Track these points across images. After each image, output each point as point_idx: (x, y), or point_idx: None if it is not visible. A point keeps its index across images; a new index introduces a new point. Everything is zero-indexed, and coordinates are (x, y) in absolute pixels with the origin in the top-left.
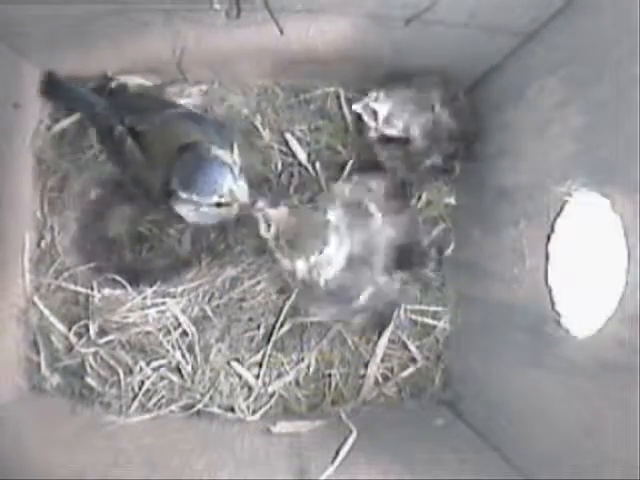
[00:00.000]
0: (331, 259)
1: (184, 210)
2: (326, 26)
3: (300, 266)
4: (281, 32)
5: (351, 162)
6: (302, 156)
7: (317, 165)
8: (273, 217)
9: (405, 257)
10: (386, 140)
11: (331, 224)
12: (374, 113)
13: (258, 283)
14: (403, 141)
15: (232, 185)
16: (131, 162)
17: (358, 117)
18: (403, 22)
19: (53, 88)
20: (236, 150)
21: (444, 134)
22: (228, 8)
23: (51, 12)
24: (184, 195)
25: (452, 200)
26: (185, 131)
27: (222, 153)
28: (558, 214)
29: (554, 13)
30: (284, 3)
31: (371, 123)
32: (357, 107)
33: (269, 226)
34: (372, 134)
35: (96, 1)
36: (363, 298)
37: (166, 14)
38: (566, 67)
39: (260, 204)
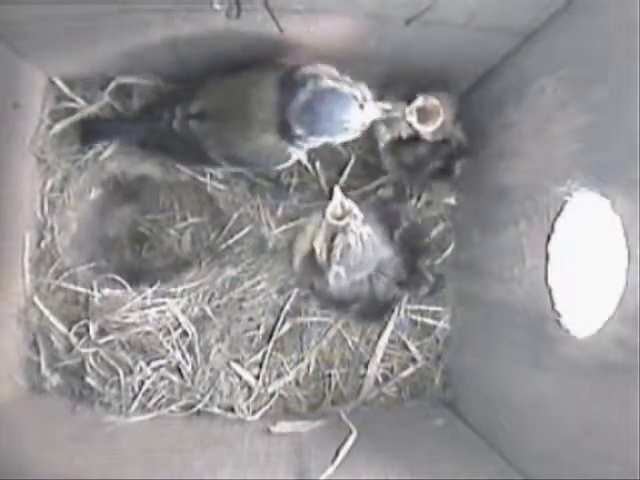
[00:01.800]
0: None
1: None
2: (326, 26)
3: (334, 270)
4: (281, 32)
5: (352, 163)
6: (302, 156)
7: (317, 165)
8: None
9: (407, 276)
10: (395, 145)
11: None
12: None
13: (258, 283)
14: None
15: (361, 117)
16: (207, 141)
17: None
18: (403, 22)
19: (97, 130)
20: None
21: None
22: (228, 8)
23: (51, 12)
24: (311, 138)
25: (452, 200)
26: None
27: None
28: (558, 214)
29: (554, 13)
30: (284, 3)
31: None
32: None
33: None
34: (383, 140)
35: (96, 1)
36: (356, 306)
37: (166, 14)
38: (566, 67)
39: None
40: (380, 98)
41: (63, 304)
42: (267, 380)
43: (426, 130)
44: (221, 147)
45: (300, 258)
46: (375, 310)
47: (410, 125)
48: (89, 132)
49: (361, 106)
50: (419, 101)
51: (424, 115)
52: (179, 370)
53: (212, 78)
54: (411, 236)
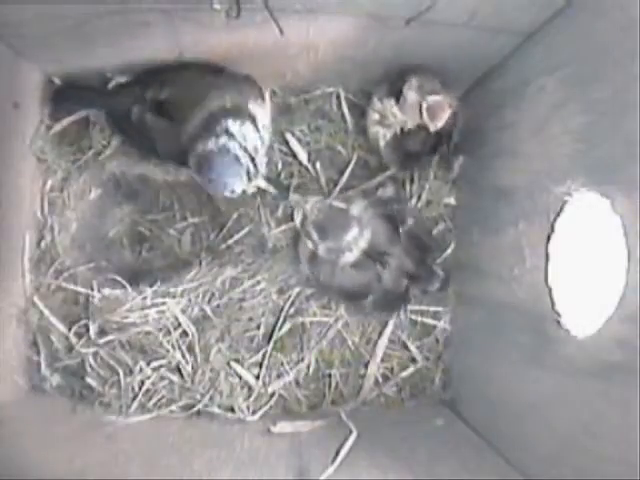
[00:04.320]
0: (351, 246)
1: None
2: (326, 26)
3: (322, 248)
4: (281, 32)
5: (353, 163)
6: (302, 156)
7: (317, 165)
8: (305, 207)
9: (415, 269)
10: (396, 140)
11: (353, 216)
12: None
13: (258, 283)
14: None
15: (244, 185)
16: (159, 136)
17: (360, 117)
18: (403, 22)
19: (66, 97)
20: (266, 107)
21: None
22: (228, 8)
23: (51, 12)
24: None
25: (452, 200)
26: (204, 88)
27: (242, 135)
28: (558, 214)
29: (554, 13)
30: (284, 3)
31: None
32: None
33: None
34: (384, 139)
35: (96, 1)
36: (370, 299)
37: (166, 14)
38: (566, 67)
39: (296, 197)
40: (368, 96)
41: (63, 304)
42: (267, 380)
43: (436, 126)
44: (167, 143)
45: (306, 258)
46: (389, 302)
47: (425, 124)
48: (59, 98)
49: (248, 177)
50: (428, 100)
51: (431, 112)
52: (179, 370)
53: (174, 69)
54: (417, 232)
